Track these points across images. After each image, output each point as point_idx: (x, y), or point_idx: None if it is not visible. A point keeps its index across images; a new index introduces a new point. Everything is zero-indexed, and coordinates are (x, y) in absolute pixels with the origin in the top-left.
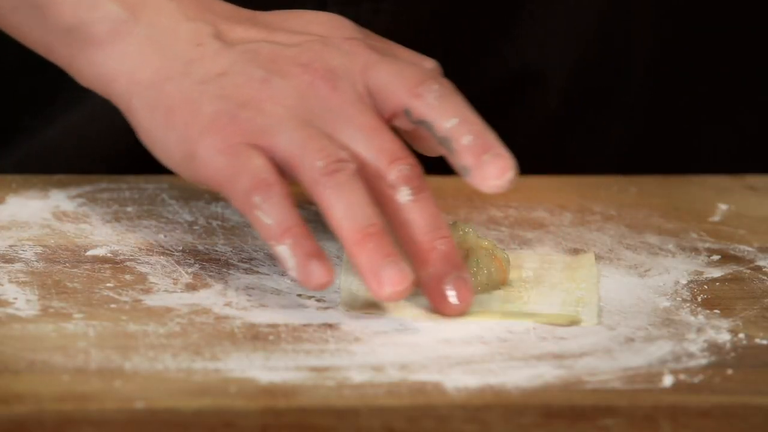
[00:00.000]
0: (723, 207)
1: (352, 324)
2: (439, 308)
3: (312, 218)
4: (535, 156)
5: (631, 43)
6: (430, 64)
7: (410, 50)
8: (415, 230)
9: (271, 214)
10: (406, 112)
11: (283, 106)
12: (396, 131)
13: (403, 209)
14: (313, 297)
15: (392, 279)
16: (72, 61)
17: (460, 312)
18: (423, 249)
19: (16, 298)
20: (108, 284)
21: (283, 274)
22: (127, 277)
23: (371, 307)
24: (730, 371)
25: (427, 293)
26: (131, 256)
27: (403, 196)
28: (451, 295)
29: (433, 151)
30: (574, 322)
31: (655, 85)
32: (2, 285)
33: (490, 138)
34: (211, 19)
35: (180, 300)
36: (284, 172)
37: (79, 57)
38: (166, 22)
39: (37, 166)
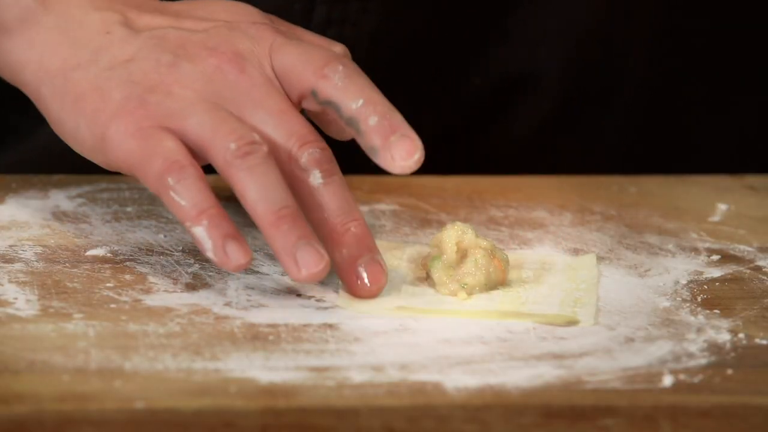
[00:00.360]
0: (723, 207)
1: (352, 324)
2: (352, 290)
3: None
4: (535, 156)
5: (629, 43)
6: (338, 48)
7: (319, 35)
8: (327, 213)
9: (185, 196)
10: (313, 93)
11: (191, 89)
12: (308, 118)
13: (314, 192)
14: (313, 297)
15: (308, 261)
16: None
17: (373, 294)
18: (336, 231)
19: (16, 298)
20: (108, 284)
21: (284, 273)
22: (127, 277)
23: (371, 304)
24: (730, 371)
25: (341, 275)
26: (131, 256)
27: (315, 179)
28: (365, 277)
29: (343, 134)
30: (571, 323)
31: (653, 85)
32: (2, 285)
33: (397, 119)
34: (119, 8)
35: (180, 300)
36: (196, 155)
37: None
38: (75, 11)
39: (37, 166)
